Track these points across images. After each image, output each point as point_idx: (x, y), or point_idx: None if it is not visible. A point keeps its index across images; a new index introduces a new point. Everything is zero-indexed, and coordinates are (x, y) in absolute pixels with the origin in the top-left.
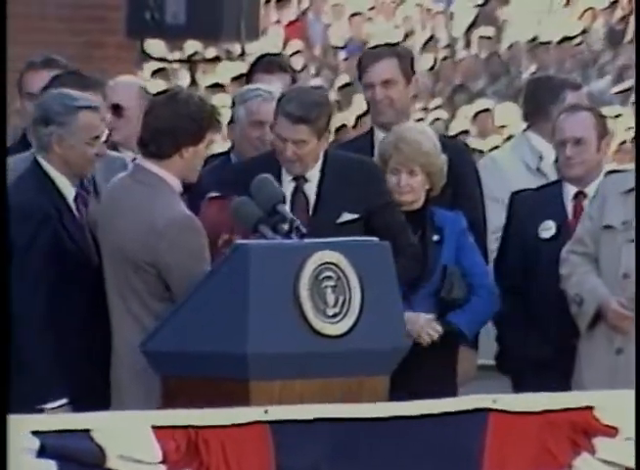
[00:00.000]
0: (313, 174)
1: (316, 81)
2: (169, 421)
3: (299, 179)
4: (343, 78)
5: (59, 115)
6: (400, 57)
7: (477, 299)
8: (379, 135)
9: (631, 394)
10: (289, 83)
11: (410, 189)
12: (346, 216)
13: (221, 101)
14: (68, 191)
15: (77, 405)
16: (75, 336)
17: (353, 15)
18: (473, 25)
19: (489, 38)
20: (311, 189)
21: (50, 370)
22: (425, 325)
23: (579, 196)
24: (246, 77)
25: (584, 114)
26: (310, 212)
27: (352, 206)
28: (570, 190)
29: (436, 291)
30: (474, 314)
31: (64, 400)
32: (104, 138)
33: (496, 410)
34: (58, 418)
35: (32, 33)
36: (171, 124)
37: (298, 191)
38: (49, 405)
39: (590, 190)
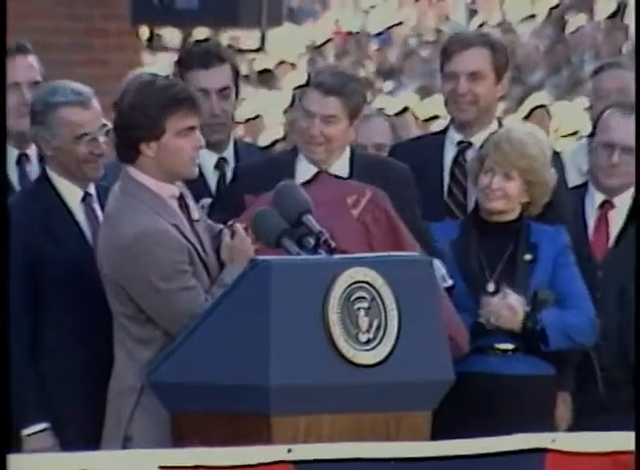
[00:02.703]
0: (339, 169)
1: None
2: (179, 461)
3: (320, 174)
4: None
5: (38, 113)
6: (494, 48)
7: (576, 314)
8: (453, 137)
9: None
10: (230, 76)
11: (502, 194)
12: None
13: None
14: (72, 195)
15: (65, 432)
16: (63, 355)
17: None
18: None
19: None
20: None
21: (32, 390)
22: (499, 306)
23: (605, 205)
24: (178, 73)
25: (631, 118)
26: None
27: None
28: (596, 198)
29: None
30: (568, 325)
31: (43, 425)
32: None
33: (555, 450)
34: (55, 458)
35: (26, 19)
36: (117, 123)
37: None
38: (27, 430)
39: (620, 200)
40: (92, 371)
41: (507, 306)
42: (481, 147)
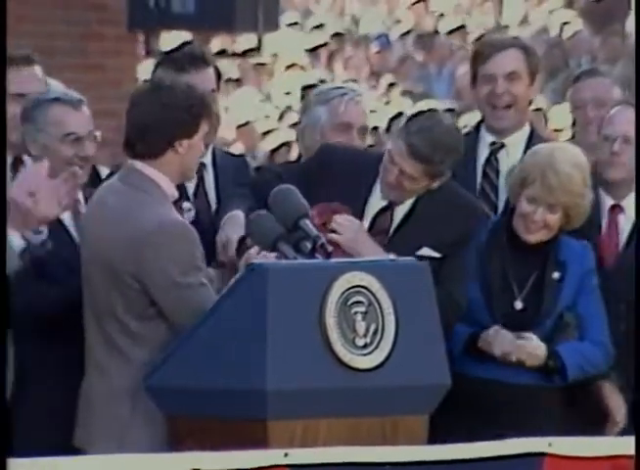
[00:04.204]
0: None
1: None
2: (176, 465)
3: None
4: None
5: (28, 110)
6: (527, 51)
7: (592, 346)
8: (486, 138)
9: None
10: (214, 79)
11: (543, 226)
12: (427, 251)
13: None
14: None
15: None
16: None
17: None
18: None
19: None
20: (401, 212)
21: None
22: (507, 346)
23: (615, 209)
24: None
25: (632, 111)
26: (390, 235)
27: (437, 242)
28: (606, 202)
29: (546, 338)
30: (584, 358)
31: None
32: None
33: (553, 455)
34: (53, 462)
35: (22, 23)
36: (159, 117)
37: (386, 211)
38: None
39: (628, 204)
40: (75, 369)
41: (532, 347)
42: (522, 161)
